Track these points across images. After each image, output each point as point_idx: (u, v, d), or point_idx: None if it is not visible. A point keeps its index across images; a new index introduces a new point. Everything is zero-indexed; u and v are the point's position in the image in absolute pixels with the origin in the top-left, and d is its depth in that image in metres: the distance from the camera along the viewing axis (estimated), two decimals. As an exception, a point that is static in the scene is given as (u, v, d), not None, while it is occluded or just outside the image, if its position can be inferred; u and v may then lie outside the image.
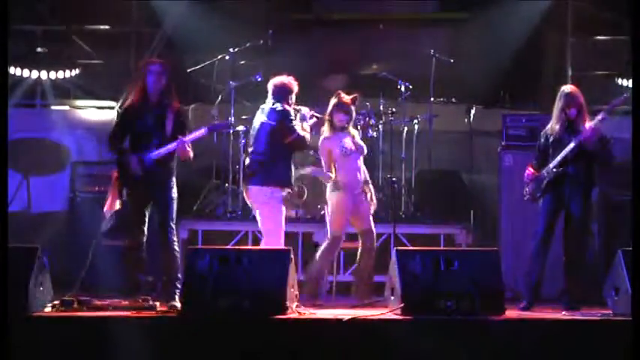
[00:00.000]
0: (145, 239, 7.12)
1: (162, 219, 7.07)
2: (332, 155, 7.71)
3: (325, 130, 7.82)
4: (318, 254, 7.76)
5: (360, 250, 7.75)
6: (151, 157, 7.01)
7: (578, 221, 7.30)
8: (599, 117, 7.23)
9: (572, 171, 7.31)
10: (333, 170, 7.71)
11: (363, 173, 7.82)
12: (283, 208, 7.42)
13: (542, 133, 7.58)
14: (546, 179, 7.37)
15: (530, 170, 7.52)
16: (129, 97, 7.28)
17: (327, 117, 7.80)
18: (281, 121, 7.42)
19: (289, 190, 7.49)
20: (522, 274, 7.50)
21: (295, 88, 7.59)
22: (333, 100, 7.80)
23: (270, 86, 7.61)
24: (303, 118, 7.59)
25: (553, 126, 7.44)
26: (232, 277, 6.28)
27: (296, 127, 7.43)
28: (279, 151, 7.42)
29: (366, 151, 7.94)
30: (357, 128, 8.07)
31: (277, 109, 7.45)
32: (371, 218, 7.77)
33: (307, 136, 7.53)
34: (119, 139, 7.15)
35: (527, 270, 7.42)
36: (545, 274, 7.41)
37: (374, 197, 7.88)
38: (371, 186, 7.91)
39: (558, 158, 7.32)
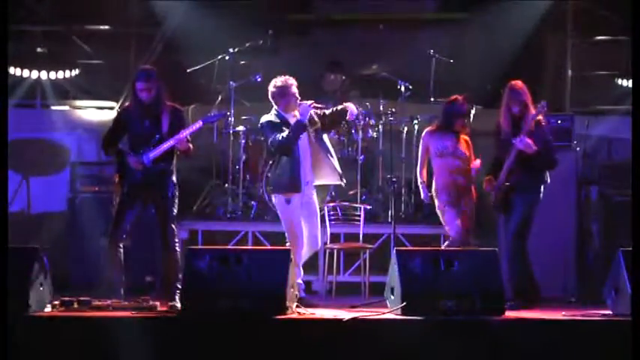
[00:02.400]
0: (124, 239, 7.11)
1: (163, 219, 7.06)
2: (428, 152, 7.60)
3: (432, 125, 7.72)
4: None
5: None
6: (150, 157, 7.02)
7: (516, 225, 7.33)
8: (527, 127, 7.23)
9: (515, 179, 7.32)
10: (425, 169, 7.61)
11: (463, 179, 7.54)
12: (295, 210, 7.36)
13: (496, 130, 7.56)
14: (501, 193, 7.38)
15: (488, 182, 7.48)
16: (126, 101, 7.30)
17: (440, 119, 7.66)
18: (263, 131, 7.48)
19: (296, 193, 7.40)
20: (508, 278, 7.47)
21: (291, 86, 7.45)
22: (452, 104, 7.60)
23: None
24: (304, 113, 7.47)
25: (501, 122, 7.44)
26: (232, 278, 6.27)
27: (275, 134, 7.34)
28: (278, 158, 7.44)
29: (465, 156, 7.59)
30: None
31: (262, 120, 7.48)
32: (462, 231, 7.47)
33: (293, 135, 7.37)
34: (110, 142, 7.18)
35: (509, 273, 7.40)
36: (545, 275, 7.43)
37: (473, 210, 7.63)
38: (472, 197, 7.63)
39: (504, 170, 7.33)
